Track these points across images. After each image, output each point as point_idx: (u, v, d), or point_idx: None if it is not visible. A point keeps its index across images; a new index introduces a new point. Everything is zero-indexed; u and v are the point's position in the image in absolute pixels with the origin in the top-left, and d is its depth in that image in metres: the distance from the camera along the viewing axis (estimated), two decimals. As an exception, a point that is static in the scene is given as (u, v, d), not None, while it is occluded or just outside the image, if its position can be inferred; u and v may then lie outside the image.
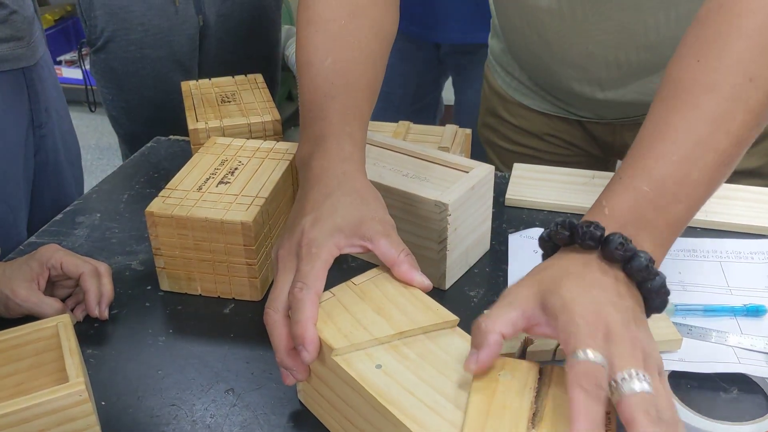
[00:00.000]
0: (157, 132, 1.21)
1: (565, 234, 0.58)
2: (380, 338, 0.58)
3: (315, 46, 0.75)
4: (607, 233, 0.56)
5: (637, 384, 0.49)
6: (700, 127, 0.59)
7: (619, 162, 1.19)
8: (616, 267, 0.56)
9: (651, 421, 0.48)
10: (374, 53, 0.78)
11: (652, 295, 0.56)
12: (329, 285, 0.63)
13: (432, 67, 1.76)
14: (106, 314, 0.77)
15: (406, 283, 0.64)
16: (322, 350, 0.59)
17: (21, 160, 1.06)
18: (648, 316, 0.57)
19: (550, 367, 0.56)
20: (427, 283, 0.64)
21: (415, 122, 1.04)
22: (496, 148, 1.19)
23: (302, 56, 0.76)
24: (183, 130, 1.15)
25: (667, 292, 0.57)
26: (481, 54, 1.69)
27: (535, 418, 0.52)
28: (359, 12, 0.77)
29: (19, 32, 1.03)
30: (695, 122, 0.59)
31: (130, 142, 1.65)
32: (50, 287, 0.78)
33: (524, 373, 0.55)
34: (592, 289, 0.54)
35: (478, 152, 1.31)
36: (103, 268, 0.79)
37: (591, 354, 0.50)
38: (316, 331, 0.59)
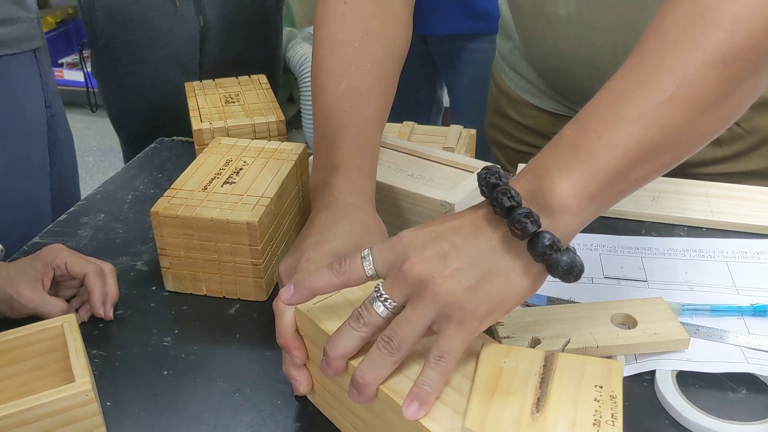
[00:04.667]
0: (157, 132, 1.21)
1: (486, 192, 0.55)
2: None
3: (329, 71, 0.77)
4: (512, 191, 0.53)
5: (377, 303, 0.54)
6: (639, 68, 0.54)
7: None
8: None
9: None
10: (387, 76, 0.80)
11: (553, 270, 0.53)
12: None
13: (421, 61, 1.79)
14: (110, 314, 0.77)
15: None
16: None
17: (43, 138, 1.08)
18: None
19: (555, 354, 0.55)
20: None
21: (406, 117, 1.05)
22: (503, 148, 1.19)
23: (317, 79, 0.79)
24: (184, 130, 1.15)
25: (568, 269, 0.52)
26: (468, 50, 1.71)
27: (539, 403, 0.51)
28: (373, 34, 0.78)
29: (31, 12, 1.04)
30: (635, 65, 0.55)
31: (131, 142, 1.65)
32: (55, 287, 0.78)
33: (529, 360, 0.55)
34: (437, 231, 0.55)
35: (482, 153, 1.31)
36: (108, 268, 0.78)
37: (367, 256, 0.56)
38: (297, 336, 0.63)
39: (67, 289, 0.80)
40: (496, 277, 0.53)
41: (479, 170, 0.56)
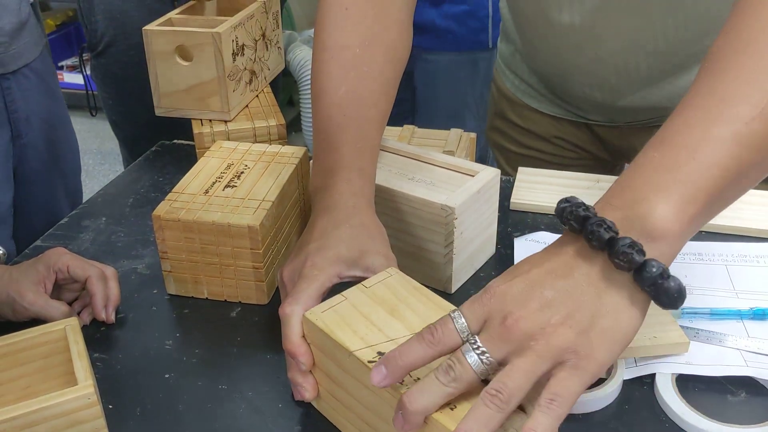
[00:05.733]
0: (157, 136, 1.21)
1: (576, 227, 0.53)
2: (396, 339, 0.58)
3: (329, 75, 0.77)
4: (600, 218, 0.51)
5: (471, 355, 0.50)
6: (725, 85, 0.53)
7: (626, 165, 1.19)
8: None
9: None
10: (388, 81, 0.80)
11: (661, 298, 0.51)
12: (342, 288, 0.64)
13: None
14: (112, 318, 0.77)
15: None
16: (339, 354, 0.59)
17: (3, 170, 1.04)
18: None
19: None
20: None
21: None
22: (504, 151, 1.19)
23: (317, 83, 0.78)
24: (183, 134, 1.15)
25: (675, 291, 0.50)
26: (422, 59, 1.73)
27: None
28: (374, 39, 0.78)
29: (2, 36, 1.01)
30: (720, 82, 0.53)
31: (130, 146, 1.65)
32: (57, 291, 0.78)
33: None
34: (537, 278, 0.52)
35: (482, 157, 1.32)
36: (110, 271, 0.79)
37: (458, 317, 0.52)
38: (303, 342, 0.62)
39: (69, 292, 0.80)
40: (605, 315, 0.51)
41: (557, 206, 0.53)
